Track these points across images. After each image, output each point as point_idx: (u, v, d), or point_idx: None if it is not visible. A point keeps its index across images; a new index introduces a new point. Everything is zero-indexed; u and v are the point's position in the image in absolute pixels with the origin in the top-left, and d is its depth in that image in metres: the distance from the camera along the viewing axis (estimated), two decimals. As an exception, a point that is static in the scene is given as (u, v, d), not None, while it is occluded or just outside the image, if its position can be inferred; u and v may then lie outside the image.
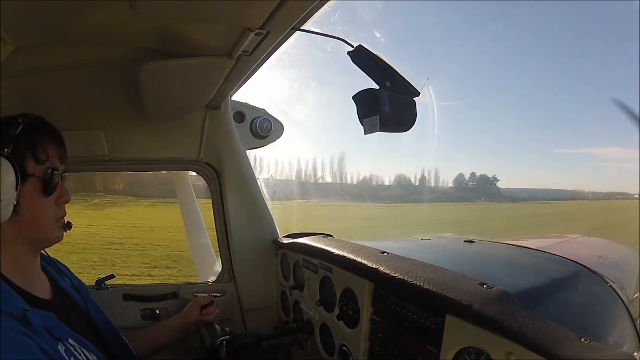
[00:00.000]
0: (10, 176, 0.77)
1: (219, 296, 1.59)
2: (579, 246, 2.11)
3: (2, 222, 0.78)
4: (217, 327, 1.36)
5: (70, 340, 0.81)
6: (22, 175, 0.79)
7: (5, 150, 0.78)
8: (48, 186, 0.84)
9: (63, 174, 0.90)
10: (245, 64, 1.02)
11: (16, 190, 0.78)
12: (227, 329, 1.39)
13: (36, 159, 0.83)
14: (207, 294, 1.39)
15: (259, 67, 1.11)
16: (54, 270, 1.00)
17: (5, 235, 0.81)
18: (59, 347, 0.77)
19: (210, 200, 1.67)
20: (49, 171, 0.84)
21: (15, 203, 0.79)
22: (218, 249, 1.72)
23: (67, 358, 0.77)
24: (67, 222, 0.92)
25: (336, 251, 1.22)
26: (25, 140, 0.82)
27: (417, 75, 0.93)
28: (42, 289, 0.90)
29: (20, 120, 0.82)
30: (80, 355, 0.82)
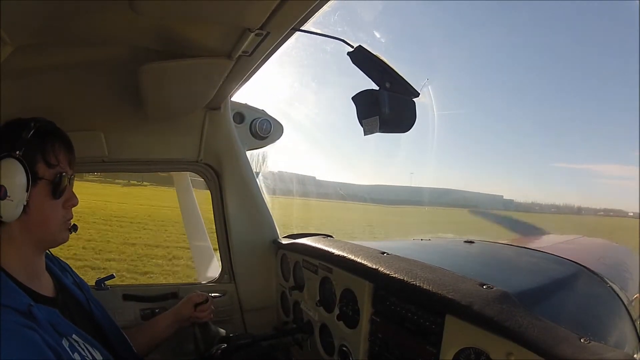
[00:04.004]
0: (21, 177, 0.79)
1: (219, 296, 1.59)
2: (578, 246, 2.12)
3: (11, 221, 0.81)
4: (211, 327, 1.35)
5: (74, 336, 0.83)
6: (32, 178, 0.81)
7: (18, 152, 0.80)
8: (57, 189, 0.86)
9: (71, 179, 0.92)
10: (245, 64, 1.02)
11: (27, 191, 0.80)
12: (221, 329, 1.38)
13: (47, 162, 0.85)
14: (203, 292, 1.38)
15: (259, 68, 1.11)
16: (57, 268, 1.02)
17: (14, 234, 0.83)
18: (64, 343, 0.78)
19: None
20: (59, 175, 0.87)
21: (25, 204, 0.81)
22: (218, 250, 1.73)
23: (71, 353, 0.78)
24: (73, 224, 0.94)
25: (336, 252, 1.22)
26: (37, 144, 0.84)
27: (416, 76, 0.93)
28: (46, 287, 0.92)
29: (32, 124, 0.84)
30: (83, 351, 0.83)
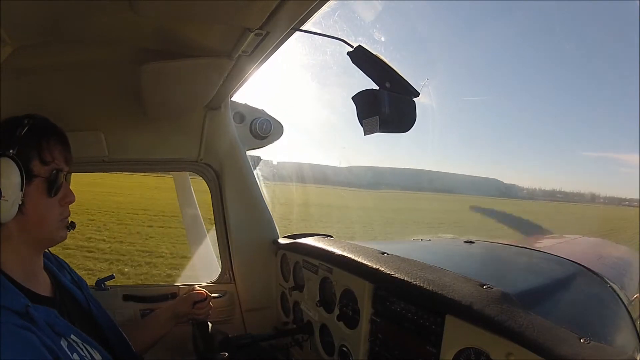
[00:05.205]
0: (15, 176, 0.78)
1: (219, 297, 1.59)
2: (579, 246, 2.12)
3: (6, 221, 0.80)
4: (210, 327, 1.33)
5: (73, 336, 0.82)
6: (27, 176, 0.80)
7: (11, 151, 0.79)
8: (53, 187, 0.85)
9: (67, 175, 0.92)
10: (245, 64, 1.02)
11: (21, 190, 0.79)
12: (221, 330, 1.37)
13: (42, 160, 0.84)
14: (202, 290, 1.37)
15: (259, 68, 1.11)
16: (55, 266, 1.01)
17: (10, 234, 0.82)
18: (62, 343, 0.78)
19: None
20: (54, 172, 0.85)
21: (20, 203, 0.80)
22: (218, 250, 1.72)
23: (69, 353, 0.78)
24: (71, 222, 0.93)
25: (336, 252, 1.22)
26: (31, 141, 0.83)
27: (417, 76, 0.92)
28: (44, 286, 0.91)
29: (26, 121, 0.83)
30: (82, 350, 0.83)
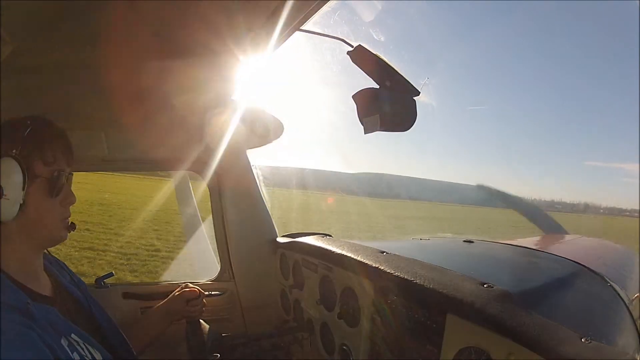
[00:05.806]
0: (18, 176, 0.79)
1: (219, 295, 1.59)
2: (579, 246, 2.11)
3: (7, 220, 0.80)
4: (203, 326, 1.32)
5: (73, 335, 0.82)
6: (29, 176, 0.81)
7: (14, 151, 0.79)
8: (54, 187, 0.86)
9: (69, 176, 0.92)
10: (245, 64, 1.02)
11: (23, 190, 0.80)
12: (219, 329, 1.36)
13: (44, 160, 0.85)
14: (195, 287, 1.37)
15: (259, 67, 1.11)
16: (55, 267, 1.01)
17: (11, 233, 0.83)
18: (62, 342, 0.78)
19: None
20: (56, 173, 0.86)
21: (21, 203, 0.80)
22: (217, 248, 1.73)
23: (70, 352, 0.78)
24: (72, 222, 0.93)
25: (336, 251, 1.23)
26: (34, 142, 0.84)
27: (417, 76, 0.92)
28: (44, 286, 0.91)
29: (29, 122, 0.84)
30: (83, 350, 0.83)
